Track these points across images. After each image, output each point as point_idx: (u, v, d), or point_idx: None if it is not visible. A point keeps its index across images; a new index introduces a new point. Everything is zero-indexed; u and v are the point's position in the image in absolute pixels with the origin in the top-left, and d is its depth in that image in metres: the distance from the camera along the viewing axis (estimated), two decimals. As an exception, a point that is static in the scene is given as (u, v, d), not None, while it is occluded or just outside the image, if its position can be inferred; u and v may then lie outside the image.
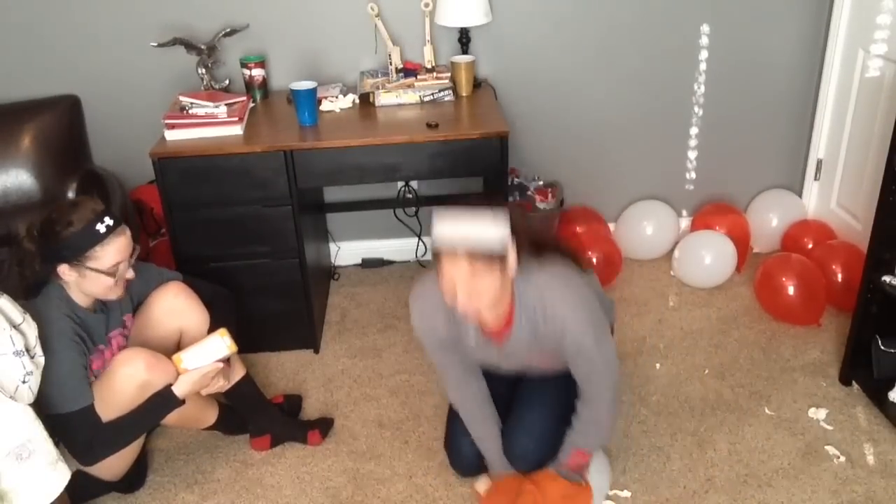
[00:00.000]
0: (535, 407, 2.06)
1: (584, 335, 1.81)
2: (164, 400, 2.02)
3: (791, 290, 2.74)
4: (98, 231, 1.91)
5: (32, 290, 1.95)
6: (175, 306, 2.17)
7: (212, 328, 2.15)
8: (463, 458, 2.14)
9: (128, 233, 1.99)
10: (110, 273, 1.94)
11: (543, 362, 1.99)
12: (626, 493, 2.14)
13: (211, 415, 2.27)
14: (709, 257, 2.99)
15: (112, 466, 2.08)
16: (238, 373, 2.27)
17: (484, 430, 2.07)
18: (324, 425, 2.39)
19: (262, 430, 2.33)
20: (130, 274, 2.01)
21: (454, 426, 2.15)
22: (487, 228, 1.65)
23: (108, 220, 1.93)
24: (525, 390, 2.10)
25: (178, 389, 2.03)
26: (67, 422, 1.92)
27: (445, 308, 1.82)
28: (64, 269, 1.92)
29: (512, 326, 1.84)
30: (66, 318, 1.94)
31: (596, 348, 1.84)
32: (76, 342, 1.94)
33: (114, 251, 1.94)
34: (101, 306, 2.08)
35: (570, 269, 1.89)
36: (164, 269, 2.27)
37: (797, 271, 2.76)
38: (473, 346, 1.91)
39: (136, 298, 2.18)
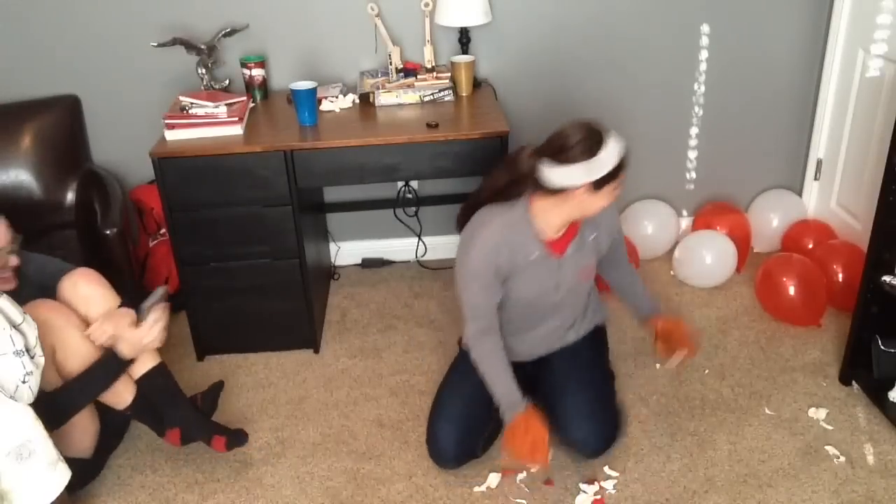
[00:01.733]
0: (579, 391, 2.18)
1: (619, 225, 2.25)
2: (110, 363, 2.02)
3: (792, 291, 2.74)
4: None
5: None
6: (79, 292, 2.12)
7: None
8: (441, 446, 2.18)
9: (3, 222, 1.99)
10: None
11: (584, 276, 2.19)
12: (614, 474, 2.18)
13: (129, 391, 2.19)
14: (709, 257, 2.99)
15: (74, 441, 2.06)
16: (152, 360, 2.21)
17: (502, 369, 2.08)
18: (234, 437, 2.25)
19: (173, 424, 2.24)
20: (14, 261, 2.01)
21: (436, 416, 2.21)
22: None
23: None
24: (559, 377, 2.23)
25: (125, 348, 2.03)
26: None
27: (509, 238, 2.01)
28: None
29: (578, 232, 2.09)
30: None
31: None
32: None
33: None
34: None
35: None
36: (57, 260, 2.22)
37: (798, 272, 2.76)
38: (536, 258, 2.05)
39: (38, 289, 2.14)
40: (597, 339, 2.36)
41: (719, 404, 2.44)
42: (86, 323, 2.11)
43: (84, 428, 2.07)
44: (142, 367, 2.20)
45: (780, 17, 2.98)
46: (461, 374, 2.22)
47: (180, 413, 2.25)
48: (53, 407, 1.97)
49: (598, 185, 1.89)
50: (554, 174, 1.89)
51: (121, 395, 2.19)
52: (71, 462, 2.06)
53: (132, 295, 2.27)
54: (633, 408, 2.43)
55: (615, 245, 2.24)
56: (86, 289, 2.14)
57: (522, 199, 2.02)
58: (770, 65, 3.07)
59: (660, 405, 2.45)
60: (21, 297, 2.07)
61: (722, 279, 3.03)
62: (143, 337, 2.06)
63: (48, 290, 2.15)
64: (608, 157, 1.86)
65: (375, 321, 2.96)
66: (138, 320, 2.13)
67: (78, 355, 2.05)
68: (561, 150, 1.88)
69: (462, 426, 2.18)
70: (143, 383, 2.22)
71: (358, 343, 2.83)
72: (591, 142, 1.86)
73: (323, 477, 2.24)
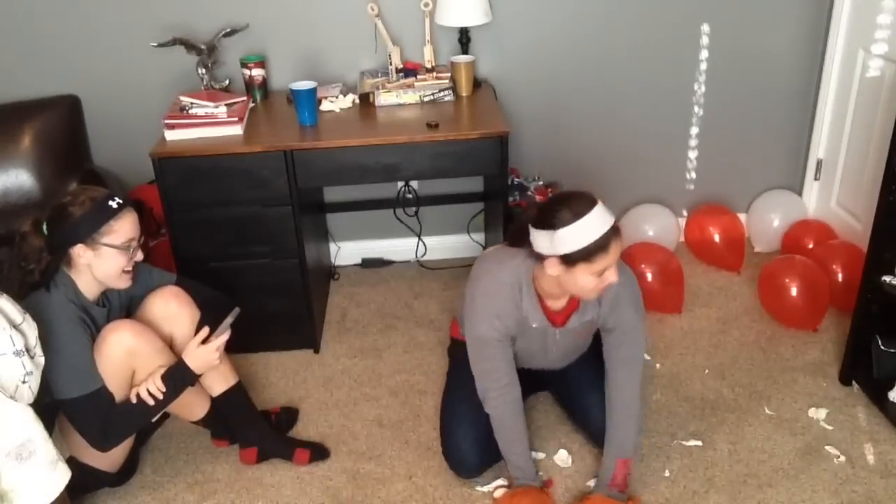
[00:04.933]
0: (599, 388, 2.15)
1: (635, 313, 2.04)
2: (179, 374, 2.03)
3: (794, 292, 2.74)
4: (111, 206, 1.95)
5: (39, 285, 1.95)
6: (169, 312, 2.16)
7: (198, 328, 2.13)
8: (464, 459, 2.15)
9: (135, 213, 2.03)
10: (124, 248, 1.97)
11: (581, 345, 2.18)
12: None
13: (202, 406, 2.24)
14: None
15: (111, 454, 2.07)
16: (229, 380, 2.24)
17: (518, 437, 2.09)
18: (317, 450, 2.31)
19: (249, 443, 2.29)
20: (140, 255, 2.04)
21: (452, 429, 2.18)
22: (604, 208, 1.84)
23: (118, 198, 1.98)
24: (575, 375, 2.26)
25: (193, 363, 2.04)
26: (79, 406, 1.93)
27: (515, 299, 1.98)
28: (79, 250, 1.93)
29: (579, 306, 2.02)
30: (72, 304, 1.96)
31: (641, 327, 2.06)
32: (83, 327, 1.95)
33: (127, 225, 1.98)
34: (105, 300, 2.09)
35: None
36: (158, 269, 2.25)
37: (801, 274, 2.75)
38: (535, 327, 2.02)
39: (130, 299, 2.18)
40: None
41: (719, 404, 2.44)
42: (168, 341, 2.14)
43: (124, 443, 2.09)
44: (220, 386, 2.22)
45: (780, 17, 2.98)
46: (464, 381, 2.15)
47: (258, 433, 2.29)
48: (123, 416, 2.00)
49: (568, 261, 1.80)
50: (533, 235, 1.86)
51: (192, 408, 2.23)
52: (88, 474, 2.08)
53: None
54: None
55: (622, 337, 2.05)
56: (176, 310, 2.16)
57: (524, 265, 1.96)
58: (770, 65, 3.07)
59: (660, 405, 2.45)
60: (121, 300, 2.14)
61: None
62: (209, 355, 2.06)
63: (136, 297, 2.18)
64: (570, 234, 1.77)
65: (375, 321, 2.96)
66: (210, 337, 2.10)
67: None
68: (541, 211, 1.85)
69: (480, 435, 2.13)
70: (219, 401, 2.24)
71: (358, 343, 2.83)
72: (567, 213, 1.78)
73: (323, 477, 2.24)
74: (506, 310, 1.98)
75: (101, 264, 1.97)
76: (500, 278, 1.99)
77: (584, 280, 1.83)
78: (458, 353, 2.29)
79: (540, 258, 1.88)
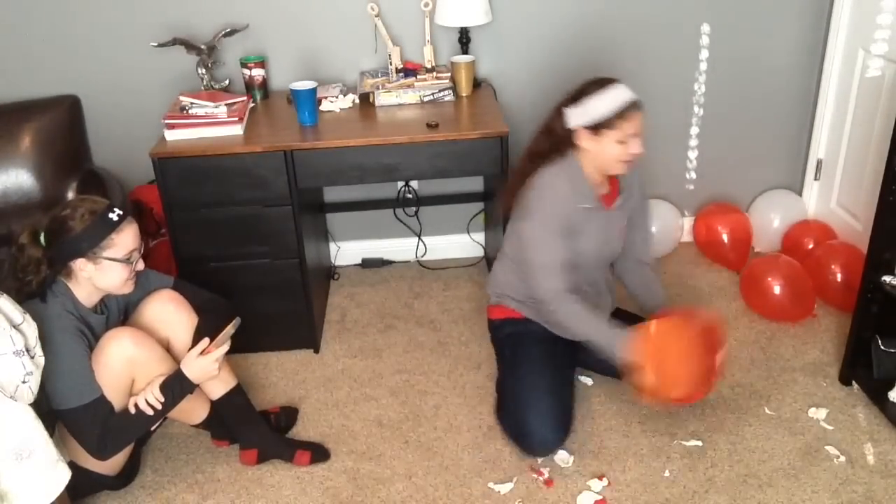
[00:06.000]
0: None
1: (643, 193, 2.40)
2: (178, 383, 2.02)
3: (777, 290, 2.76)
4: (111, 219, 1.94)
5: (35, 295, 1.94)
6: (165, 316, 2.15)
7: (196, 335, 2.13)
8: (547, 438, 2.22)
9: (136, 224, 2.02)
10: (126, 260, 1.96)
11: (622, 236, 2.35)
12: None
13: (203, 410, 2.24)
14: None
15: (112, 459, 2.07)
16: (229, 383, 2.23)
17: (595, 316, 2.19)
18: (317, 451, 2.30)
19: (249, 444, 2.28)
20: (141, 265, 2.03)
21: (530, 409, 2.21)
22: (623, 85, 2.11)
23: (118, 210, 1.97)
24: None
25: (191, 373, 2.03)
26: (78, 416, 1.93)
27: (572, 191, 2.17)
28: (80, 264, 1.93)
29: (620, 189, 2.28)
30: (70, 315, 1.95)
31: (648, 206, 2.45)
32: (80, 337, 1.95)
33: (128, 238, 1.97)
34: (103, 307, 2.08)
35: None
36: (154, 272, 2.24)
37: (784, 272, 2.78)
38: (591, 207, 2.20)
39: (127, 304, 2.18)
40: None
41: (719, 404, 2.44)
42: (165, 345, 2.13)
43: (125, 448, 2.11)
44: (219, 388, 2.21)
45: (780, 17, 2.98)
46: (526, 357, 2.29)
47: (258, 435, 2.28)
48: (121, 425, 2.00)
49: (595, 130, 2.09)
50: (567, 116, 2.12)
51: (192, 412, 2.22)
52: (88, 478, 2.08)
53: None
54: (633, 407, 2.43)
55: (638, 211, 2.38)
56: (173, 314, 2.16)
57: (570, 154, 2.18)
58: (770, 65, 3.07)
59: (660, 405, 2.44)
60: (119, 306, 2.13)
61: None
62: (209, 366, 2.05)
63: (133, 302, 2.17)
64: (597, 102, 2.06)
65: (375, 321, 2.96)
66: (210, 347, 2.09)
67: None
68: (571, 96, 2.12)
69: (558, 411, 2.22)
70: (219, 404, 2.24)
71: (358, 343, 2.83)
72: (591, 87, 2.09)
73: (323, 477, 2.24)
74: (567, 197, 2.16)
75: (102, 277, 1.96)
76: (560, 175, 2.17)
77: (611, 148, 2.10)
78: (503, 332, 2.42)
79: (577, 139, 2.13)
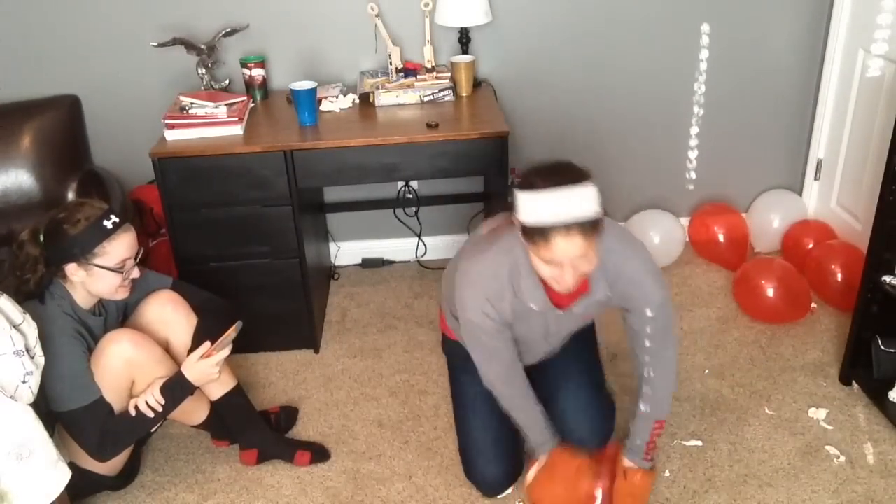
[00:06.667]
0: (584, 384, 2.09)
1: (662, 296, 1.82)
2: (178, 386, 2.02)
3: (771, 293, 2.76)
4: (105, 227, 1.92)
5: (33, 295, 1.94)
6: (164, 316, 2.15)
7: (196, 336, 2.13)
8: (488, 479, 2.11)
9: (133, 231, 2.01)
10: (118, 270, 1.95)
11: (587, 319, 2.02)
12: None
13: (203, 411, 2.23)
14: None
15: (112, 460, 2.07)
16: (228, 383, 2.22)
17: (530, 408, 1.98)
18: (317, 451, 2.30)
19: (249, 445, 2.28)
20: (136, 273, 2.02)
21: (472, 449, 2.12)
22: (585, 195, 1.56)
23: (114, 217, 1.95)
24: (559, 371, 2.10)
25: (192, 376, 2.03)
26: (77, 417, 1.93)
27: (510, 285, 1.77)
28: (72, 269, 1.92)
29: (589, 288, 1.78)
30: (68, 317, 1.95)
31: (669, 307, 1.85)
32: (78, 339, 1.94)
33: (121, 247, 1.95)
34: (101, 309, 2.08)
35: (621, 227, 1.92)
36: (153, 272, 2.24)
37: (777, 274, 2.78)
38: (538, 310, 1.80)
39: (125, 305, 2.17)
40: (586, 331, 2.19)
41: (719, 404, 2.44)
42: (164, 346, 2.13)
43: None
44: (219, 389, 2.21)
45: (780, 17, 2.98)
46: (472, 393, 2.10)
47: (258, 435, 2.28)
48: (121, 427, 2.00)
49: (523, 232, 1.62)
50: (517, 200, 1.62)
51: (192, 413, 2.22)
52: (88, 478, 2.08)
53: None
54: (633, 407, 2.42)
55: (650, 321, 1.85)
56: (172, 315, 2.16)
57: (516, 244, 1.75)
58: (770, 65, 3.07)
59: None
60: (118, 308, 2.13)
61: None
62: (209, 370, 2.05)
63: (132, 304, 2.17)
64: (523, 202, 1.58)
65: (375, 321, 2.96)
66: (211, 350, 2.08)
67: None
68: (527, 173, 1.64)
69: (500, 452, 2.09)
70: (219, 405, 2.23)
71: (358, 343, 2.83)
72: (537, 178, 1.58)
73: (323, 477, 2.24)
74: (499, 293, 1.78)
75: (93, 283, 1.96)
76: (499, 259, 1.77)
77: (538, 263, 1.65)
78: (452, 352, 2.22)
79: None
